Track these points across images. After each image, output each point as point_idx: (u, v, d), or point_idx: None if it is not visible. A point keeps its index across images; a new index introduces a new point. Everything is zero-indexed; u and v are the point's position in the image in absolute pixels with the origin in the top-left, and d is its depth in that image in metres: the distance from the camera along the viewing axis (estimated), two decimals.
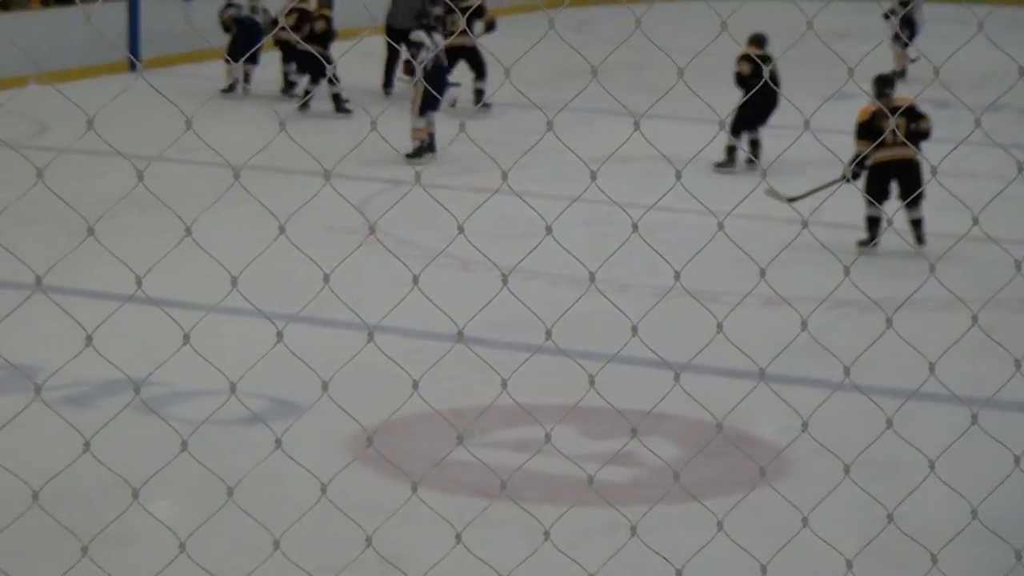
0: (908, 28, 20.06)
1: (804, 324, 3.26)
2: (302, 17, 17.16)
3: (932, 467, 3.43)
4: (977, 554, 5.96)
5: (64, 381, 7.37)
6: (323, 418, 5.36)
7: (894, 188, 11.30)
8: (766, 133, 14.38)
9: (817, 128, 3.32)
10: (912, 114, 11.36)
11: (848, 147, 12.20)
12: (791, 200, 11.47)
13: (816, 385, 7.60)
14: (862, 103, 13.15)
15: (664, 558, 3.51)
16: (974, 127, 3.43)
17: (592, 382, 3.00)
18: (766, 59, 14.04)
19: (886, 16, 20.22)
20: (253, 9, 17.89)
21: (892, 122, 10.56)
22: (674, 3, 18.25)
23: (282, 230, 2.84)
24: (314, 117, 16.40)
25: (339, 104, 16.56)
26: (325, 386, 2.93)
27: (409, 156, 14.17)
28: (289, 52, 17.64)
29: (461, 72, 17.41)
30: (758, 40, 14.24)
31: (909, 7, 19.98)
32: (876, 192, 11.16)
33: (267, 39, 17.24)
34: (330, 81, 16.44)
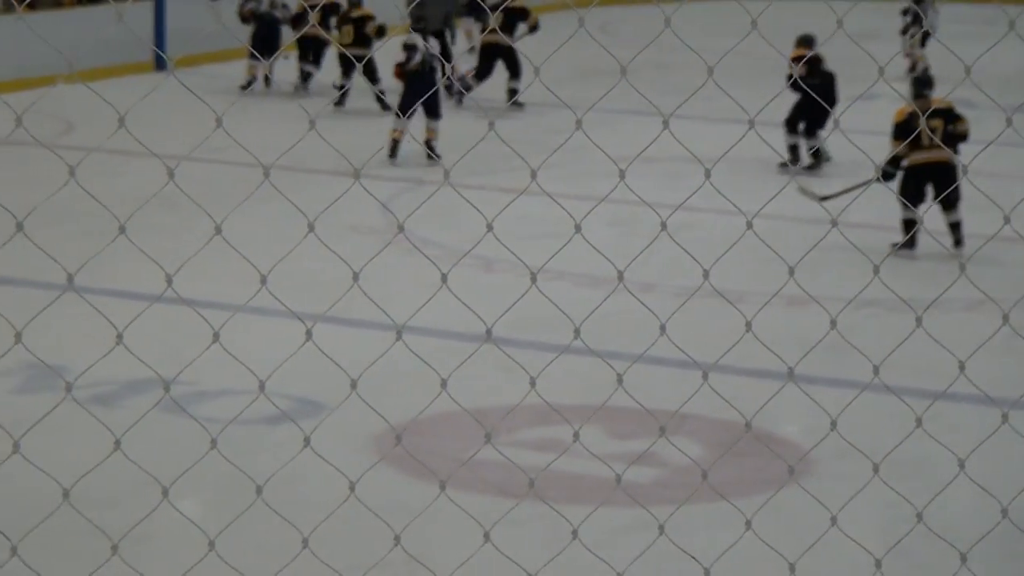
0: (918, 25, 20.02)
1: (833, 323, 3.25)
2: (327, 12, 17.25)
3: (962, 466, 3.42)
4: (1003, 554, 5.94)
5: (90, 380, 7.40)
6: (345, 418, 5.37)
7: (929, 190, 11.18)
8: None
9: (846, 128, 3.31)
10: (950, 116, 11.25)
11: (878, 148, 12.16)
12: (823, 199, 11.43)
13: (839, 385, 7.58)
14: (890, 103, 13.10)
15: (692, 557, 3.50)
16: (1005, 126, 3.41)
17: (620, 381, 3.00)
18: (816, 61, 13.96)
19: (904, 13, 20.22)
20: (272, 4, 17.99)
21: (923, 121, 10.47)
22: (698, 3, 18.22)
23: (311, 228, 2.84)
24: (340, 116, 16.43)
25: (383, 103, 16.65)
26: (354, 384, 2.94)
27: (389, 156, 14.09)
28: (307, 47, 17.72)
29: (498, 71, 17.43)
30: (807, 41, 14.13)
31: (922, 3, 19.96)
32: (911, 194, 11.00)
33: (295, 37, 17.30)
34: (373, 80, 16.53)
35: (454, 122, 15.10)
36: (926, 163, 11.09)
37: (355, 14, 16.78)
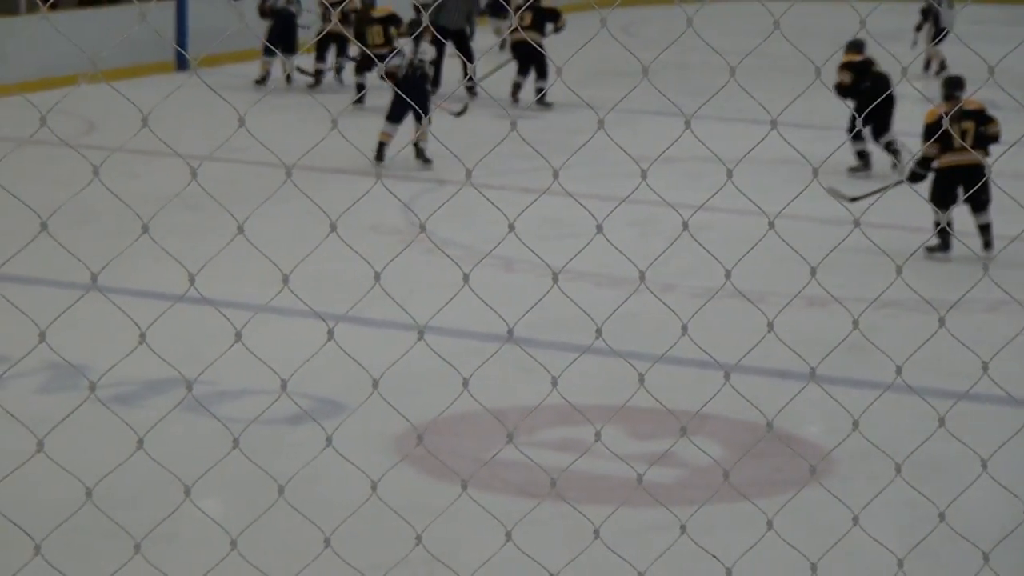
0: (933, 22, 19.99)
1: (855, 323, 3.24)
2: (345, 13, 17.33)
3: (985, 465, 3.41)
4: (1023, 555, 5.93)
5: (110, 380, 7.43)
6: (364, 418, 5.38)
7: (960, 193, 11.06)
8: (813, 135, 14.34)
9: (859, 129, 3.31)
10: (981, 117, 11.17)
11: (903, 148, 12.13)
12: (852, 200, 11.39)
13: (859, 385, 7.57)
14: (914, 104, 13.07)
15: (714, 556, 3.50)
16: None
17: (642, 381, 3.00)
18: (868, 64, 13.89)
19: (923, 12, 20.21)
20: (289, 1, 18.13)
21: (946, 121, 10.41)
22: (716, 4, 18.22)
23: (333, 228, 2.85)
24: (359, 114, 16.45)
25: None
26: (376, 384, 2.95)
27: (375, 158, 13.97)
28: (328, 45, 17.85)
29: (506, 71, 17.45)
30: (856, 46, 14.04)
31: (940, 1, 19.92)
32: (942, 197, 10.92)
33: (317, 36, 17.39)
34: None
35: (474, 122, 15.10)
36: (957, 166, 10.99)
37: (378, 14, 16.83)
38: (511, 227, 2.88)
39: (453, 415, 6.91)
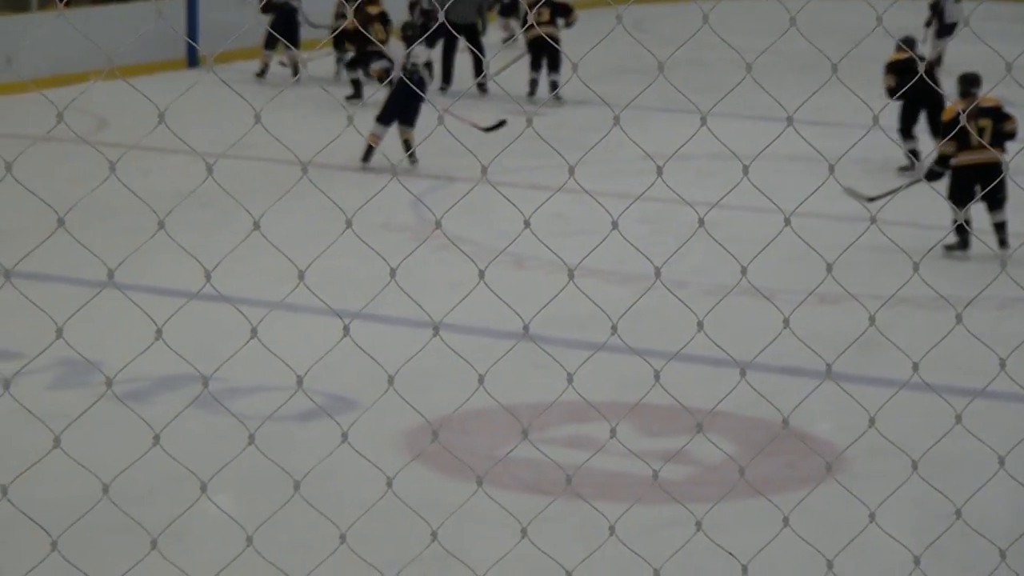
0: (939, 18, 19.94)
1: (872, 319, 3.24)
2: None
3: (1002, 463, 3.41)
4: None
5: (122, 377, 7.44)
6: (374, 415, 5.38)
7: (978, 191, 11.02)
8: (825, 132, 14.31)
9: (887, 127, 3.31)
10: (998, 114, 11.11)
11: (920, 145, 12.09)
12: (871, 200, 11.36)
13: (870, 383, 7.56)
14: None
15: (730, 554, 3.50)
16: None
17: (657, 378, 3.00)
18: (911, 62, 13.79)
19: (931, 7, 20.18)
20: None
21: (963, 118, 10.38)
22: (731, 1, 18.19)
23: (349, 224, 2.85)
24: (364, 111, 16.46)
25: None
26: (391, 380, 2.95)
27: (362, 159, 13.84)
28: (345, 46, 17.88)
29: (518, 68, 17.44)
30: (907, 43, 13.96)
31: None
32: (960, 196, 10.87)
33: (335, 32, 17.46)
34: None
35: (484, 119, 15.09)
36: (975, 164, 10.94)
37: (374, 11, 16.87)
38: (527, 223, 2.88)
39: (465, 412, 6.91)
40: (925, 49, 19.49)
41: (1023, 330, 9.09)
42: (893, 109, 13.71)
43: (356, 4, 17.07)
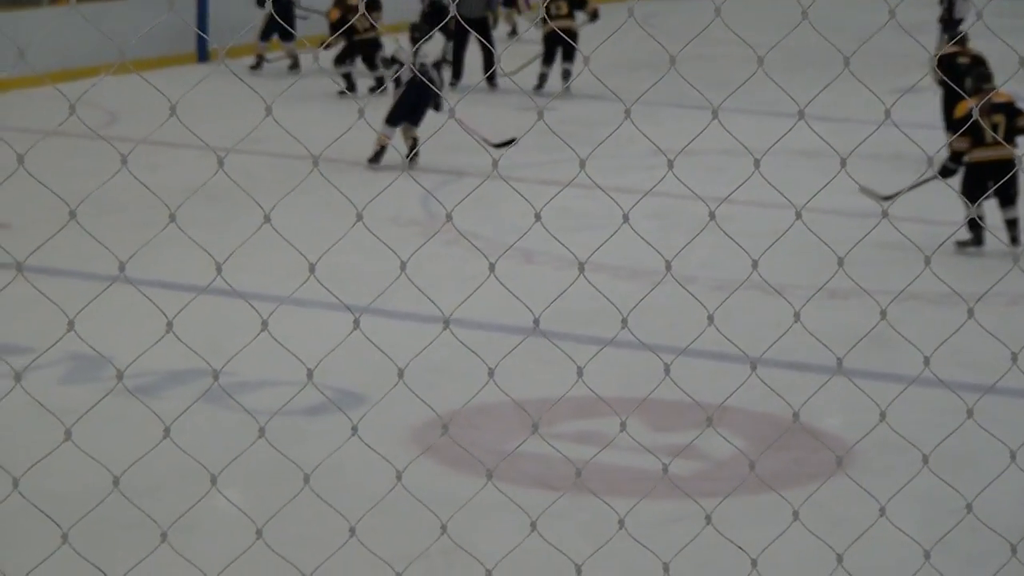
0: (949, 13, 19.91)
1: (883, 314, 3.24)
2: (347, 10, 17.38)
3: (1013, 457, 3.41)
4: None
5: (131, 371, 7.46)
6: (382, 410, 5.39)
7: (990, 187, 10.98)
8: (835, 127, 14.29)
9: (888, 122, 3.30)
10: (1011, 110, 11.04)
11: (929, 141, 12.05)
12: (885, 198, 11.34)
13: (879, 378, 7.55)
14: (934, 94, 13.00)
15: (740, 548, 3.51)
16: None
17: (667, 372, 3.00)
18: (953, 57, 13.68)
19: (941, 1, 20.14)
20: None
21: (976, 112, 10.36)
22: None
23: (360, 218, 2.85)
24: (373, 106, 16.47)
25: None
26: (401, 374, 2.95)
27: (369, 160, 13.78)
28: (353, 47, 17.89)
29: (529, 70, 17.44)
30: (959, 41, 13.85)
31: None
32: (973, 192, 10.82)
33: (331, 39, 17.52)
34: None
35: (494, 113, 15.10)
36: (988, 161, 10.90)
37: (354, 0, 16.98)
38: (538, 217, 2.88)
39: (472, 407, 6.92)
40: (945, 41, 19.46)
41: None
42: (902, 104, 13.67)
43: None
